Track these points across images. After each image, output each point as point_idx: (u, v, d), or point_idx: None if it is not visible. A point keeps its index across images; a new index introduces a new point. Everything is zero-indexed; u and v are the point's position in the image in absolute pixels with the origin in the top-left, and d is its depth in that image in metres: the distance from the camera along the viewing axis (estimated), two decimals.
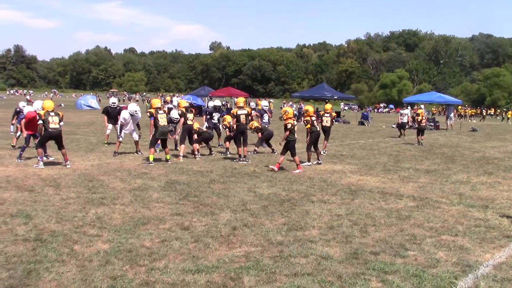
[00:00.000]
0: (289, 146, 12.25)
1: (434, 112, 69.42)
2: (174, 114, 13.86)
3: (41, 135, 11.62)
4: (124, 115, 14.15)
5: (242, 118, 13.61)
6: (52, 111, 11.63)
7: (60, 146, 11.79)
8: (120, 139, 14.17)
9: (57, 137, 11.62)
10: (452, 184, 11.12)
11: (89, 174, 10.92)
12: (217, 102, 17.30)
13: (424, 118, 21.71)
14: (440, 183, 11.26)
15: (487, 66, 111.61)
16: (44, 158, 12.46)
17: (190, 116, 13.90)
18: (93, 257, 5.56)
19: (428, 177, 12.01)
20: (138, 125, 14.77)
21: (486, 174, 12.80)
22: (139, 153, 14.22)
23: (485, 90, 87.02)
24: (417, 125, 21.51)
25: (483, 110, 62.80)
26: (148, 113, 12.93)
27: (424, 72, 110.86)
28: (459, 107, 52.98)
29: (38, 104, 13.09)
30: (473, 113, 61.83)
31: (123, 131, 14.21)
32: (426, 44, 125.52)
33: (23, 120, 13.01)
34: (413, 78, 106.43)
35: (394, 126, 33.65)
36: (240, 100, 14.43)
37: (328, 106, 16.96)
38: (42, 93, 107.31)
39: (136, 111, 14.24)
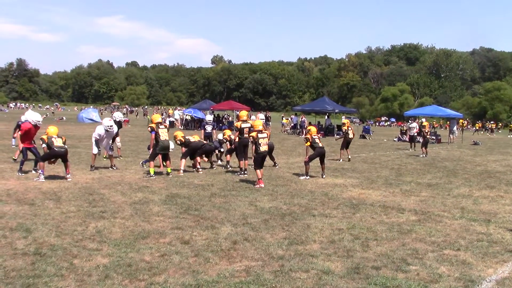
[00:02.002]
0: (254, 158, 12.24)
1: (435, 125, 69.38)
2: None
3: (48, 152, 11.75)
4: (99, 131, 13.78)
5: (246, 131, 13.74)
6: (54, 136, 11.85)
7: (65, 161, 11.95)
8: (96, 151, 13.85)
9: (62, 156, 11.83)
10: (454, 198, 11.07)
11: (90, 187, 10.90)
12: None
13: (428, 130, 22.67)
14: (442, 197, 11.21)
15: (488, 79, 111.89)
16: (33, 171, 12.56)
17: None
18: (93, 271, 5.52)
19: (430, 191, 11.96)
20: (115, 136, 14.99)
21: (488, 188, 12.75)
22: (114, 168, 13.87)
23: (486, 103, 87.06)
24: (423, 138, 22.13)
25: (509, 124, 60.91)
26: (149, 128, 12.88)
27: (425, 85, 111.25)
28: (461, 120, 52.84)
29: (33, 115, 13.00)
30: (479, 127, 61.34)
31: (99, 145, 13.94)
32: (427, 58, 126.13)
33: (19, 132, 12.95)
34: (414, 91, 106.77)
35: (395, 139, 33.66)
36: (244, 114, 14.54)
37: (346, 120, 21.06)
38: (44, 106, 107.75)
39: (111, 126, 13.95)
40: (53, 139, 11.72)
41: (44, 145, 11.68)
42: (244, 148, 13.76)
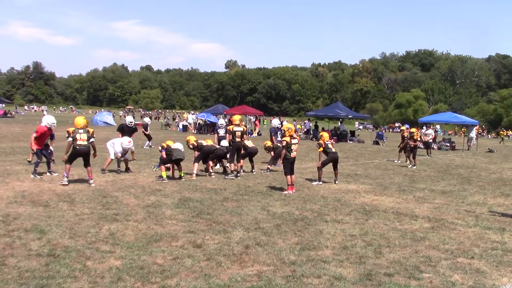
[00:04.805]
0: (283, 164, 12.04)
1: (450, 132, 68.91)
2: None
3: (71, 152, 11.42)
4: (117, 148, 13.76)
5: (238, 134, 14.11)
6: (81, 128, 11.50)
7: (86, 164, 11.57)
8: (113, 156, 13.84)
9: (84, 154, 11.47)
10: (468, 206, 10.97)
11: (104, 190, 10.97)
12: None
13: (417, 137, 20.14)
14: (456, 204, 11.11)
15: (504, 86, 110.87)
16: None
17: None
18: (105, 273, 5.56)
19: (444, 198, 11.86)
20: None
21: (503, 196, 12.61)
22: (129, 171, 13.99)
23: (502, 110, 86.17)
24: (412, 145, 19.49)
25: None
26: (160, 147, 13.21)
27: (440, 92, 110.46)
28: (477, 127, 52.25)
29: (48, 118, 13.14)
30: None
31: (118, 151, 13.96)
32: (442, 64, 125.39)
33: (34, 134, 12.91)
34: (428, 98, 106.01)
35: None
36: (236, 118, 14.98)
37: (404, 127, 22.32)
38: (58, 108, 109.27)
39: (129, 146, 14.07)
40: (77, 134, 11.32)
41: (69, 139, 11.27)
42: (237, 151, 14.16)
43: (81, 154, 11.44)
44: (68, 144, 11.42)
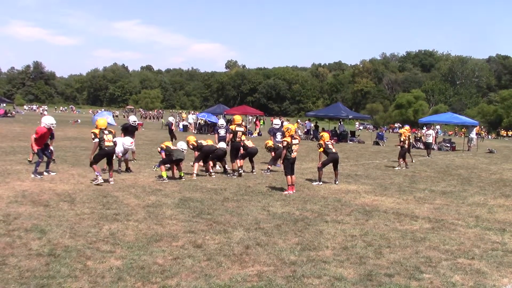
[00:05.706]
0: (284, 164, 11.98)
1: (450, 133, 68.91)
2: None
3: (97, 153, 11.77)
4: (118, 148, 13.51)
5: (239, 135, 14.35)
6: (106, 129, 11.92)
7: (110, 163, 12.08)
8: (113, 156, 13.91)
9: (111, 154, 12.02)
10: (469, 206, 10.97)
11: (104, 190, 10.97)
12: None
13: (407, 139, 18.96)
14: (456, 205, 11.11)
15: (504, 87, 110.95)
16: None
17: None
18: (106, 273, 5.56)
19: (444, 199, 11.86)
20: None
21: (504, 197, 12.61)
22: (130, 171, 14.06)
23: (502, 111, 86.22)
24: (402, 146, 18.74)
25: None
26: (159, 148, 13.33)
27: (440, 92, 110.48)
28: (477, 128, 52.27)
29: (47, 119, 13.15)
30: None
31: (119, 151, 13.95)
32: (442, 65, 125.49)
33: (33, 135, 12.83)
34: (429, 98, 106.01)
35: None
36: (238, 118, 15.18)
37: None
38: (58, 108, 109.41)
39: (131, 147, 14.17)
40: (104, 135, 11.73)
41: (96, 140, 11.62)
42: (236, 151, 14.38)
43: (108, 155, 11.94)
44: (95, 145, 11.79)
